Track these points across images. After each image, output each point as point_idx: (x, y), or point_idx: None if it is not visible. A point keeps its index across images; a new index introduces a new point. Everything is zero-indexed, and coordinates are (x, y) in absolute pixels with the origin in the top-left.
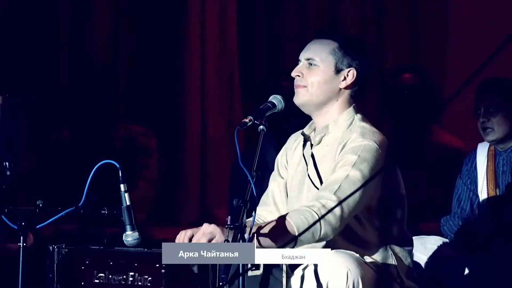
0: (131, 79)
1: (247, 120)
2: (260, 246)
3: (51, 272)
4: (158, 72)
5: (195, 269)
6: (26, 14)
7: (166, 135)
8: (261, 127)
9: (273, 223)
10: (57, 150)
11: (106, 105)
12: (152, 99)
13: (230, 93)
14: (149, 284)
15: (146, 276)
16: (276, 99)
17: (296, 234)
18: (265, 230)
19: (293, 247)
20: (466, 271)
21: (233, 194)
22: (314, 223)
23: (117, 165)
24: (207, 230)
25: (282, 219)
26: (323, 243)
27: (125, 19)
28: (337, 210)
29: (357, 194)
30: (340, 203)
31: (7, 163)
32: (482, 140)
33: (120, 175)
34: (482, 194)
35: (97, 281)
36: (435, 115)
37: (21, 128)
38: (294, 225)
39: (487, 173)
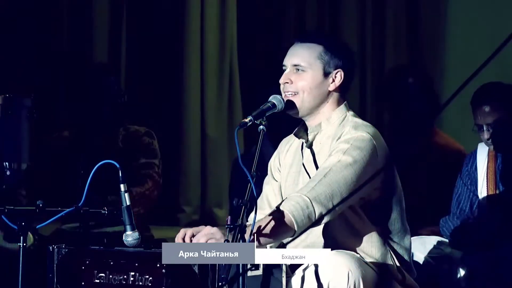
0: (130, 78)
1: (247, 120)
2: (262, 245)
3: (51, 272)
4: (158, 72)
5: (196, 268)
6: (25, 14)
7: (166, 135)
8: (261, 127)
9: (270, 219)
10: (57, 150)
11: (106, 105)
12: (152, 99)
13: (230, 93)
14: (150, 284)
15: (147, 276)
16: (276, 99)
17: (293, 220)
18: (265, 228)
19: (295, 236)
20: (465, 271)
21: (233, 194)
22: (306, 205)
23: (117, 165)
24: (209, 231)
25: (275, 211)
26: (322, 241)
27: (125, 18)
28: (328, 190)
29: (348, 176)
30: (330, 184)
31: (7, 163)
32: (481, 141)
33: (120, 175)
34: (482, 195)
35: (98, 281)
36: (435, 116)
37: (21, 128)
38: (289, 213)
39: (487, 174)
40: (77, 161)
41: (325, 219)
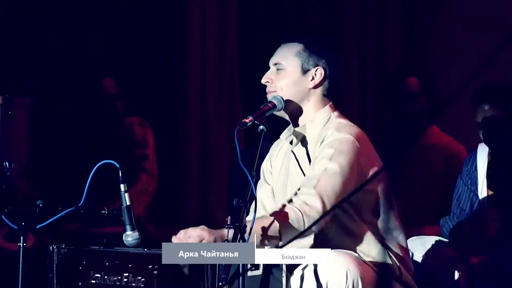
0: (130, 78)
1: (247, 120)
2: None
3: (51, 272)
4: (158, 72)
5: (185, 270)
6: (25, 14)
7: (166, 135)
8: (261, 127)
9: (260, 221)
10: (57, 150)
11: (106, 105)
12: (152, 99)
13: (230, 93)
14: (142, 285)
15: (140, 277)
16: (276, 99)
17: (281, 231)
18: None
19: (279, 245)
20: (465, 271)
21: (233, 194)
22: (297, 219)
23: (117, 165)
24: (194, 233)
25: (266, 219)
26: (319, 243)
27: (124, 18)
28: (318, 204)
29: (336, 187)
30: (320, 196)
31: (7, 163)
32: (482, 141)
33: (120, 175)
34: (482, 195)
35: (94, 281)
36: (435, 116)
37: (21, 128)
38: (277, 222)
39: (487, 174)
40: (77, 161)
41: (315, 229)
